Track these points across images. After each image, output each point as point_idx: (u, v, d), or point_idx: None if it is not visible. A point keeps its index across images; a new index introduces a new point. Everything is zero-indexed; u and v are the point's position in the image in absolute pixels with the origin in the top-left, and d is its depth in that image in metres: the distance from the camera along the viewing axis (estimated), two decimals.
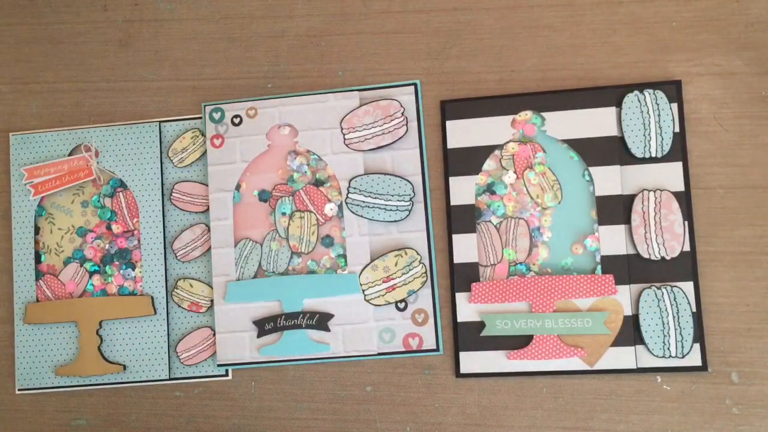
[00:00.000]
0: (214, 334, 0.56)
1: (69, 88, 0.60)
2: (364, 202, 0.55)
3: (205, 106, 0.58)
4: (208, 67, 0.59)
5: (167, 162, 0.58)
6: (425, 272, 0.54)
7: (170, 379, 0.56)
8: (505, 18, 0.56)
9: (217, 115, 0.57)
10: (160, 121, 0.58)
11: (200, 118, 0.58)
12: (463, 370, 0.53)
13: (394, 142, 0.56)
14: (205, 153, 0.58)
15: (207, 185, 0.57)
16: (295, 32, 0.58)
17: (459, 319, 0.54)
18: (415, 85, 0.56)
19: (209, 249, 0.57)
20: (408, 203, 0.55)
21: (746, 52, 0.54)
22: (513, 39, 0.56)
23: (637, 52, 0.55)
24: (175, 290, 0.57)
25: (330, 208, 0.56)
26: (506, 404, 0.53)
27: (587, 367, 0.52)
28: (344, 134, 0.56)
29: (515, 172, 0.55)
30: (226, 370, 0.56)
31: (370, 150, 0.56)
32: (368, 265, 0.55)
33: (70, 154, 0.59)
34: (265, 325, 0.55)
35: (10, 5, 0.62)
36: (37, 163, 0.59)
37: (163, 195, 0.57)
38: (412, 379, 0.54)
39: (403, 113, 0.56)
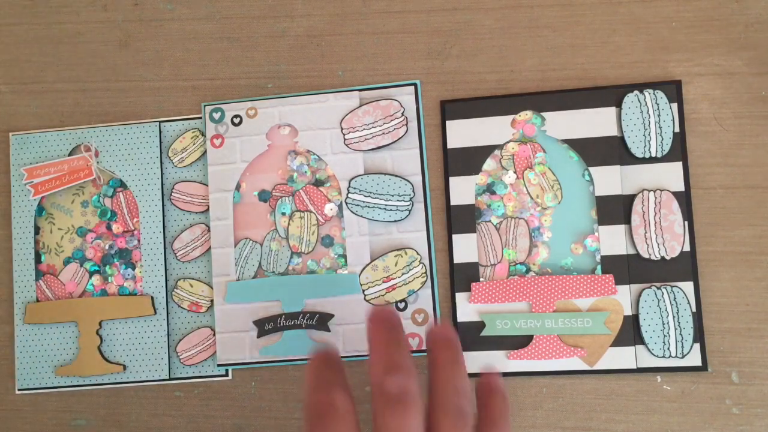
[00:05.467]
0: (214, 334, 0.56)
1: (69, 88, 0.60)
2: (364, 202, 0.55)
3: (205, 106, 0.58)
4: (208, 67, 0.59)
5: (167, 162, 0.58)
6: (425, 272, 0.54)
7: (170, 379, 0.56)
8: (505, 18, 0.56)
9: (217, 115, 0.57)
10: (160, 121, 0.58)
11: (200, 118, 0.58)
12: None
13: (394, 142, 0.55)
14: (205, 153, 0.58)
15: (207, 185, 0.57)
16: (295, 32, 0.58)
17: (459, 319, 0.54)
18: (415, 85, 0.56)
19: (209, 249, 0.57)
20: (408, 203, 0.55)
21: (746, 52, 0.54)
22: (513, 39, 0.56)
23: (637, 52, 0.55)
24: (175, 290, 0.57)
25: (330, 208, 0.56)
26: None
27: (587, 367, 0.52)
28: (344, 134, 0.56)
29: (515, 172, 0.55)
30: (226, 370, 0.56)
31: (370, 150, 0.56)
32: (368, 265, 0.55)
33: (70, 154, 0.59)
34: (265, 325, 0.55)
35: (10, 5, 0.62)
36: (37, 163, 0.59)
37: (163, 195, 0.57)
38: None
39: (403, 113, 0.56)
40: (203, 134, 0.58)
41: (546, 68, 0.55)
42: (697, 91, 0.54)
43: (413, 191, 0.55)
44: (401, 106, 0.56)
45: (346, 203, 0.55)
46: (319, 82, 0.57)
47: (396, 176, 0.55)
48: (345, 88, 0.57)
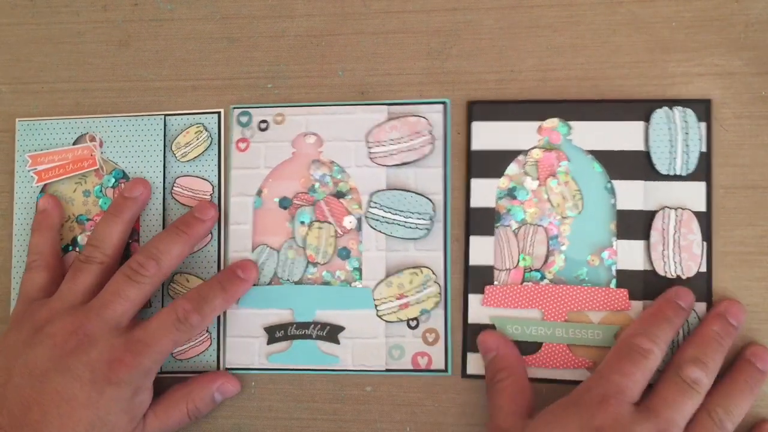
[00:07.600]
0: (208, 330, 0.56)
1: (69, 88, 0.60)
2: (383, 217, 0.55)
3: (233, 108, 0.57)
4: (208, 67, 0.59)
5: (170, 156, 0.58)
6: (439, 292, 0.54)
7: (162, 372, 0.56)
8: (505, 18, 0.56)
9: (244, 119, 0.57)
10: (165, 115, 0.58)
11: (203, 113, 0.58)
12: (470, 371, 0.53)
13: (419, 159, 0.55)
14: (207, 149, 0.57)
15: (209, 181, 0.57)
16: (295, 32, 0.58)
17: (470, 321, 0.53)
18: (444, 104, 0.56)
19: (207, 245, 0.57)
20: (428, 222, 0.54)
21: (746, 52, 0.54)
22: (513, 39, 0.56)
23: (637, 52, 0.55)
24: (172, 284, 0.56)
25: (349, 221, 0.55)
26: None
27: None
28: (369, 148, 0.56)
29: (538, 179, 0.54)
30: (218, 366, 0.55)
31: (394, 165, 0.55)
32: (383, 280, 0.54)
33: (74, 143, 0.58)
34: (276, 333, 0.55)
35: (10, 5, 0.62)
36: (41, 150, 0.58)
37: (164, 189, 0.57)
38: (413, 380, 0.54)
39: (430, 131, 0.55)
40: (206, 129, 0.57)
41: (546, 68, 0.55)
42: (697, 92, 0.54)
43: (434, 210, 0.54)
44: (429, 124, 0.55)
45: (366, 217, 0.55)
46: (319, 82, 0.57)
47: (418, 194, 0.55)
48: (374, 101, 0.56)
